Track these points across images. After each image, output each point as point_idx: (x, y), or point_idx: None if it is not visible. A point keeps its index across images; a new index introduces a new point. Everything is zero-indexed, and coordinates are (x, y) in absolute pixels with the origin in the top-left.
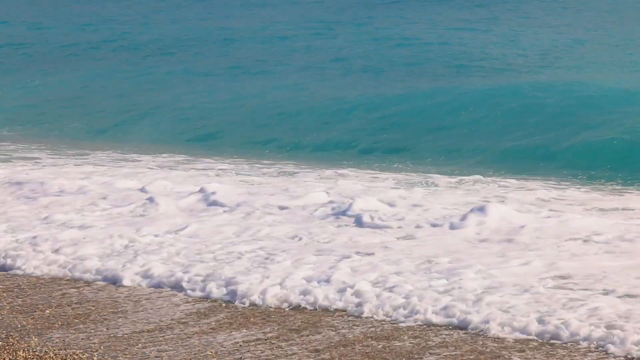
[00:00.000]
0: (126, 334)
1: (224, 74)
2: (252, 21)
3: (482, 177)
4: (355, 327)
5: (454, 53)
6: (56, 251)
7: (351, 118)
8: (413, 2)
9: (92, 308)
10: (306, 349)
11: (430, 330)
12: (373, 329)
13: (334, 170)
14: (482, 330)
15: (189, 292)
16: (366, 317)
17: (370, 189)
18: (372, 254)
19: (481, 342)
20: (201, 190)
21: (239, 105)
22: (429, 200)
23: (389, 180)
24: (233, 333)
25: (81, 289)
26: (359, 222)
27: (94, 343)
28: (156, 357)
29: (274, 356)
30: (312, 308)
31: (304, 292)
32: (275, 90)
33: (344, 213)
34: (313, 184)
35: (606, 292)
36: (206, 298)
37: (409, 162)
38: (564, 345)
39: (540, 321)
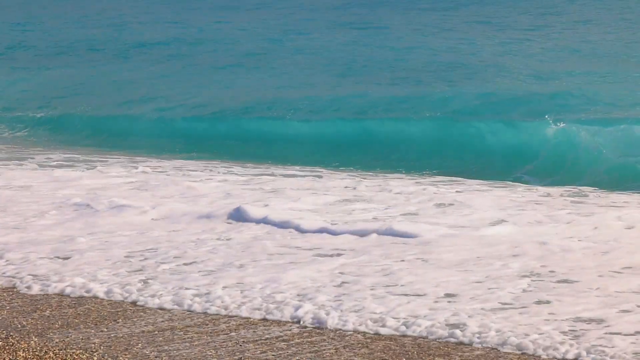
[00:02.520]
0: (126, 335)
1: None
2: (250, 22)
3: None
4: (354, 329)
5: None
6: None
7: None
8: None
9: (92, 309)
10: (306, 349)
11: (430, 335)
12: (371, 331)
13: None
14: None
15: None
16: (364, 320)
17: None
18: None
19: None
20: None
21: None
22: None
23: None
24: (233, 334)
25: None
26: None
27: (94, 343)
28: (156, 357)
29: (274, 357)
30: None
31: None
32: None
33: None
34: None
35: None
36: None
37: None
38: None
39: None
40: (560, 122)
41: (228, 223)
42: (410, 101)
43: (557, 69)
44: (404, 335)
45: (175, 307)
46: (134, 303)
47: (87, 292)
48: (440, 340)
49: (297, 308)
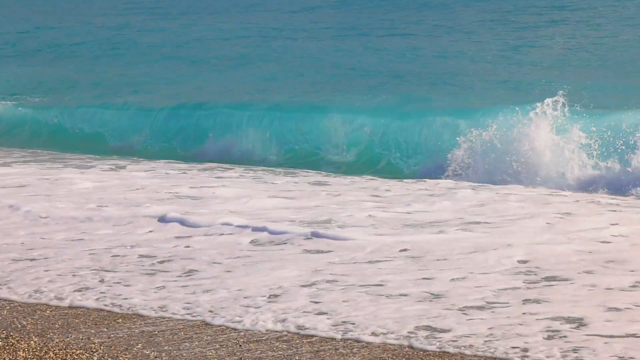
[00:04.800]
0: (126, 335)
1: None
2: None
3: None
4: (347, 330)
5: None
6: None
7: None
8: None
9: (92, 309)
10: (306, 350)
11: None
12: (366, 334)
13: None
14: None
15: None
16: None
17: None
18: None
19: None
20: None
21: None
22: None
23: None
24: (233, 334)
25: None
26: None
27: (94, 343)
28: (156, 357)
29: (274, 357)
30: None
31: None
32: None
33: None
34: None
35: None
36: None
37: None
38: None
39: None
40: None
41: (188, 227)
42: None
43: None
44: (402, 337)
45: (166, 312)
46: (125, 312)
47: (72, 302)
48: (433, 344)
49: (288, 311)
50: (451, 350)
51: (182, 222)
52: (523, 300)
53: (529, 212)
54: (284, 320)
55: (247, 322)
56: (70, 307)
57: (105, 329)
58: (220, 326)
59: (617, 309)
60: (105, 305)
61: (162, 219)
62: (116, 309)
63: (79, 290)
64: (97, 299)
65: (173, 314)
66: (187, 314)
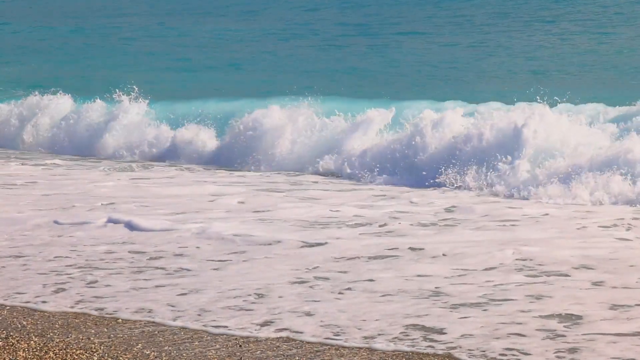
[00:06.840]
0: (126, 335)
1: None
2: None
3: None
4: (344, 332)
5: None
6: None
7: None
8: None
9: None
10: (306, 350)
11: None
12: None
13: None
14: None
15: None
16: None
17: None
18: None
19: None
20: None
21: None
22: None
23: None
24: (233, 334)
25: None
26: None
27: (94, 343)
28: (156, 357)
29: (274, 357)
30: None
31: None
32: None
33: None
34: None
35: None
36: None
37: None
38: None
39: None
40: None
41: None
42: None
43: None
44: (401, 338)
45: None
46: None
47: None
48: (432, 345)
49: (282, 311)
50: (451, 351)
51: (130, 225)
52: (526, 296)
53: (527, 212)
54: (279, 321)
55: (238, 323)
56: (56, 310)
57: (105, 329)
58: (220, 326)
59: (620, 307)
60: (83, 308)
61: (109, 221)
62: (94, 312)
63: (56, 292)
64: (78, 302)
65: (161, 318)
66: (174, 317)
